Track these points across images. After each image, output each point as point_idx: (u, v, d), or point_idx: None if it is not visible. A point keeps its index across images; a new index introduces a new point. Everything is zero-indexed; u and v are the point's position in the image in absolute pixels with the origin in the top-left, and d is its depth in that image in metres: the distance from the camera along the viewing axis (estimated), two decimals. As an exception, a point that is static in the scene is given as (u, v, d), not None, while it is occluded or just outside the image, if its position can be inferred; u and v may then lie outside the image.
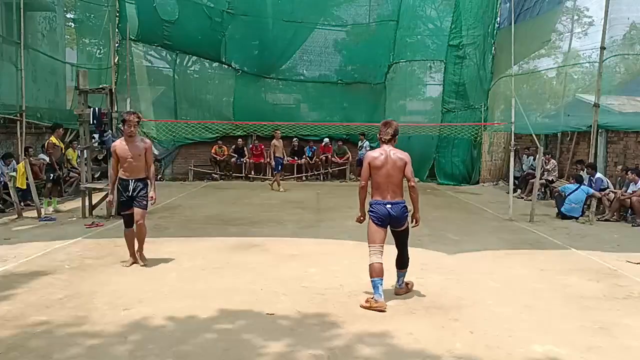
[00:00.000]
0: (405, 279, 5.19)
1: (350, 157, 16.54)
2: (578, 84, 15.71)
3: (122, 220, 9.16)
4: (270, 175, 16.25)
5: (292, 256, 6.58)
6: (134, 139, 5.99)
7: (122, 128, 6.15)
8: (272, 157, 13.97)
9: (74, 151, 12.44)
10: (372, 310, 4.58)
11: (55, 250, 6.73)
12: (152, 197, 6.00)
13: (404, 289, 5.07)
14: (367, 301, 4.68)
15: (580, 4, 16.95)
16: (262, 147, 16.58)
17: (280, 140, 13.79)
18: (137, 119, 6.02)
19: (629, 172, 9.85)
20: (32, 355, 3.65)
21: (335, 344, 3.88)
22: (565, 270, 6.09)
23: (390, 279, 5.04)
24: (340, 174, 16.71)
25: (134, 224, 6.04)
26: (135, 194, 5.94)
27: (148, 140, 6.20)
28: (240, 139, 16.36)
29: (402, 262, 5.03)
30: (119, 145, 6.02)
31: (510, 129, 10.30)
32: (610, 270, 6.11)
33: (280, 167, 13.83)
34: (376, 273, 4.73)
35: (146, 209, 6.06)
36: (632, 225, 9.08)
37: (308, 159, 16.56)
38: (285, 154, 14.01)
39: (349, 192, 13.56)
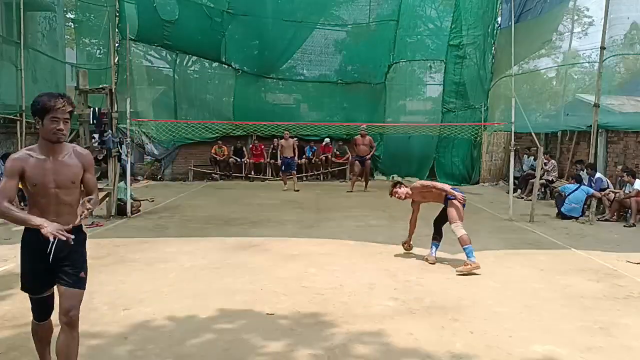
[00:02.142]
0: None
1: (350, 157, 16.52)
2: (578, 84, 15.69)
3: (123, 220, 9.31)
4: (270, 175, 16.31)
5: (292, 256, 6.58)
6: (61, 149, 3.02)
7: (37, 125, 2.98)
8: (280, 156, 14.25)
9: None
10: (471, 274, 5.71)
11: (55, 250, 6.71)
12: (83, 212, 2.96)
13: (433, 258, 6.40)
14: (465, 264, 5.82)
15: (580, 4, 16.94)
16: (262, 147, 16.58)
17: (289, 140, 13.95)
18: (70, 108, 3.00)
19: (624, 174, 9.87)
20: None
21: (334, 344, 3.88)
22: (565, 270, 6.09)
23: (384, 279, 5.01)
24: (340, 174, 16.71)
25: (59, 316, 3.17)
26: (61, 257, 2.98)
27: (85, 150, 3.21)
28: (238, 141, 16.38)
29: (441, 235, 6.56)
30: (30, 163, 2.94)
31: (510, 129, 10.30)
32: (610, 270, 6.10)
33: (283, 167, 13.99)
34: (466, 241, 5.96)
35: (84, 288, 3.23)
36: (624, 226, 9.09)
37: (308, 159, 16.57)
38: (293, 153, 14.09)
39: (345, 191, 13.57)
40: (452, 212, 6.23)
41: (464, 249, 5.94)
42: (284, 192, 13.16)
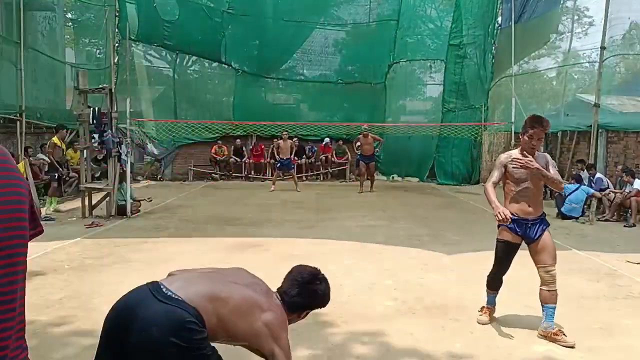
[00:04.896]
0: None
1: (350, 156, 16.54)
2: (578, 84, 15.73)
3: (123, 220, 9.33)
4: (270, 175, 16.31)
5: (292, 256, 6.57)
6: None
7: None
8: (277, 156, 14.32)
9: (75, 152, 12.41)
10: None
11: (55, 250, 6.72)
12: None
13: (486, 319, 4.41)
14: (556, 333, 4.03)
15: (580, 4, 16.96)
16: (262, 147, 16.58)
17: (287, 141, 13.90)
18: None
19: (623, 174, 9.88)
20: (31, 355, 3.63)
21: (334, 344, 3.88)
22: (565, 270, 6.07)
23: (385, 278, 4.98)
24: (340, 174, 16.71)
25: None
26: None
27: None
28: (238, 140, 16.36)
29: None
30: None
31: (511, 129, 10.30)
32: (610, 270, 6.10)
33: (278, 165, 14.07)
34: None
35: None
36: (624, 226, 9.10)
37: (308, 159, 16.57)
38: (290, 154, 14.04)
39: (349, 192, 13.59)
40: (551, 239, 4.27)
41: (549, 308, 4.09)
42: (283, 192, 13.14)
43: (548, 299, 4.06)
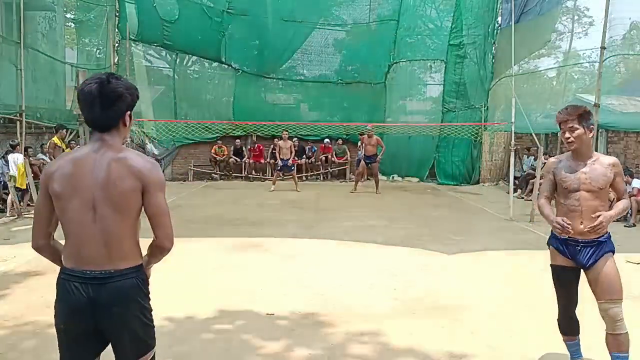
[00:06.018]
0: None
1: (349, 156, 16.53)
2: (578, 84, 15.72)
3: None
4: (270, 175, 16.30)
5: (292, 256, 6.58)
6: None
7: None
8: (278, 157, 14.21)
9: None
10: None
11: (55, 250, 6.71)
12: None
13: None
14: None
15: (580, 4, 17.03)
16: (261, 147, 16.58)
17: (288, 141, 13.83)
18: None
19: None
20: (32, 355, 3.65)
21: (334, 344, 3.88)
22: (565, 270, 6.08)
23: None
24: (340, 174, 16.70)
25: None
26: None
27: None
28: (238, 140, 16.36)
29: None
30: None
31: (511, 129, 10.30)
32: (610, 270, 6.09)
33: (278, 167, 14.01)
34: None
35: None
36: (624, 226, 9.09)
37: (308, 159, 16.56)
38: (290, 155, 13.90)
39: (349, 192, 13.57)
40: (613, 268, 3.53)
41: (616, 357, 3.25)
42: (283, 192, 13.14)
43: (611, 346, 3.25)
